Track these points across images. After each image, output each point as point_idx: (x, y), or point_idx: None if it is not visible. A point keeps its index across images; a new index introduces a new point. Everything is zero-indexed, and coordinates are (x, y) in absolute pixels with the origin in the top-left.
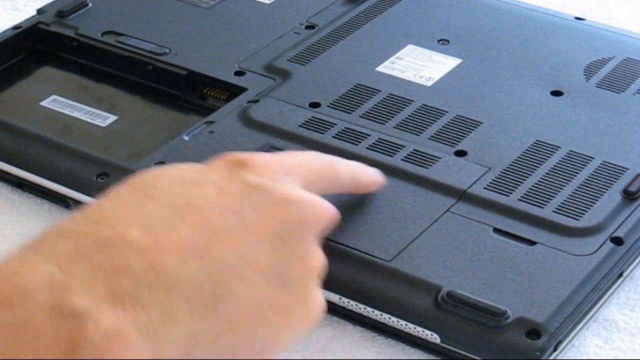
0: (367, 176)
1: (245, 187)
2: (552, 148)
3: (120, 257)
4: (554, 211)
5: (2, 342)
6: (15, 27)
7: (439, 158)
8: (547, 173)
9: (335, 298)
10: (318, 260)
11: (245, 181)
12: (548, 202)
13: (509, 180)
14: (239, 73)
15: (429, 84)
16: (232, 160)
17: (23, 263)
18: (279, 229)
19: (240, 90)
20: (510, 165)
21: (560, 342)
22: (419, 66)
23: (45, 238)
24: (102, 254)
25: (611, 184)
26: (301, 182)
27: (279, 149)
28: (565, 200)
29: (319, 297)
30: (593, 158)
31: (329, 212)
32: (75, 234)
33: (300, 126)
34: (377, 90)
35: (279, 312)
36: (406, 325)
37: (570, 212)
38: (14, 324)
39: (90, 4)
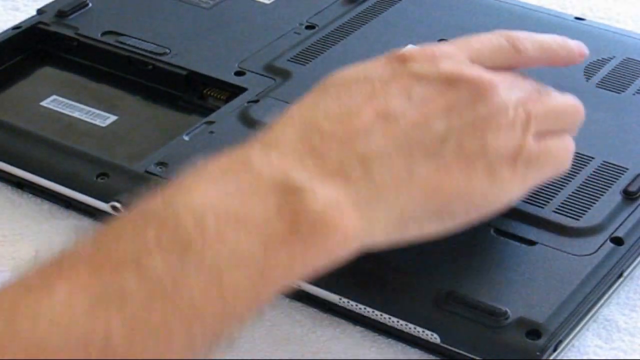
0: (560, 43)
1: (411, 78)
2: None
3: (320, 144)
4: (554, 211)
5: (232, 204)
6: (15, 27)
7: None
8: None
9: (335, 298)
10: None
11: (410, 73)
12: (548, 202)
13: None
14: (239, 73)
15: None
16: (393, 56)
17: (240, 147)
18: (454, 105)
19: (240, 90)
20: None
21: (560, 342)
22: None
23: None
24: (303, 143)
25: (611, 184)
26: (472, 59)
27: None
28: (565, 200)
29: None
30: (593, 158)
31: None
32: (286, 121)
33: None
34: None
35: (485, 166)
36: (406, 325)
37: (570, 212)
38: (241, 190)
39: (90, 4)
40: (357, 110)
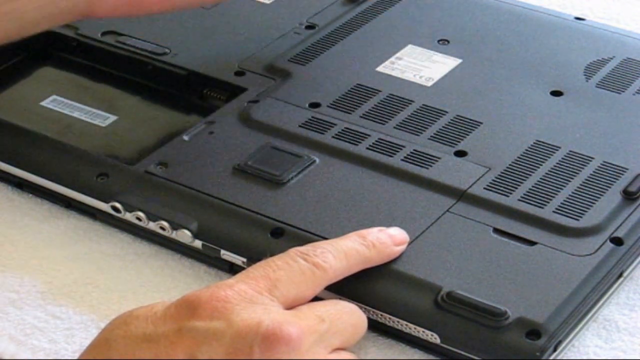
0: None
1: (198, 337)
2: (552, 148)
3: None
4: (554, 211)
5: None
6: None
7: (439, 158)
8: (547, 173)
9: (335, 298)
10: None
11: (198, 331)
12: (548, 202)
13: (509, 180)
14: (239, 73)
15: (429, 84)
16: (183, 305)
17: None
18: None
19: (240, 90)
20: (510, 165)
21: (560, 342)
22: (419, 66)
23: None
24: None
25: (611, 184)
26: (271, 292)
27: (280, 150)
28: (565, 201)
29: None
30: (593, 158)
31: (288, 331)
32: None
33: (300, 126)
34: (377, 90)
35: None
36: (406, 325)
37: (570, 212)
38: None
39: None
40: None
